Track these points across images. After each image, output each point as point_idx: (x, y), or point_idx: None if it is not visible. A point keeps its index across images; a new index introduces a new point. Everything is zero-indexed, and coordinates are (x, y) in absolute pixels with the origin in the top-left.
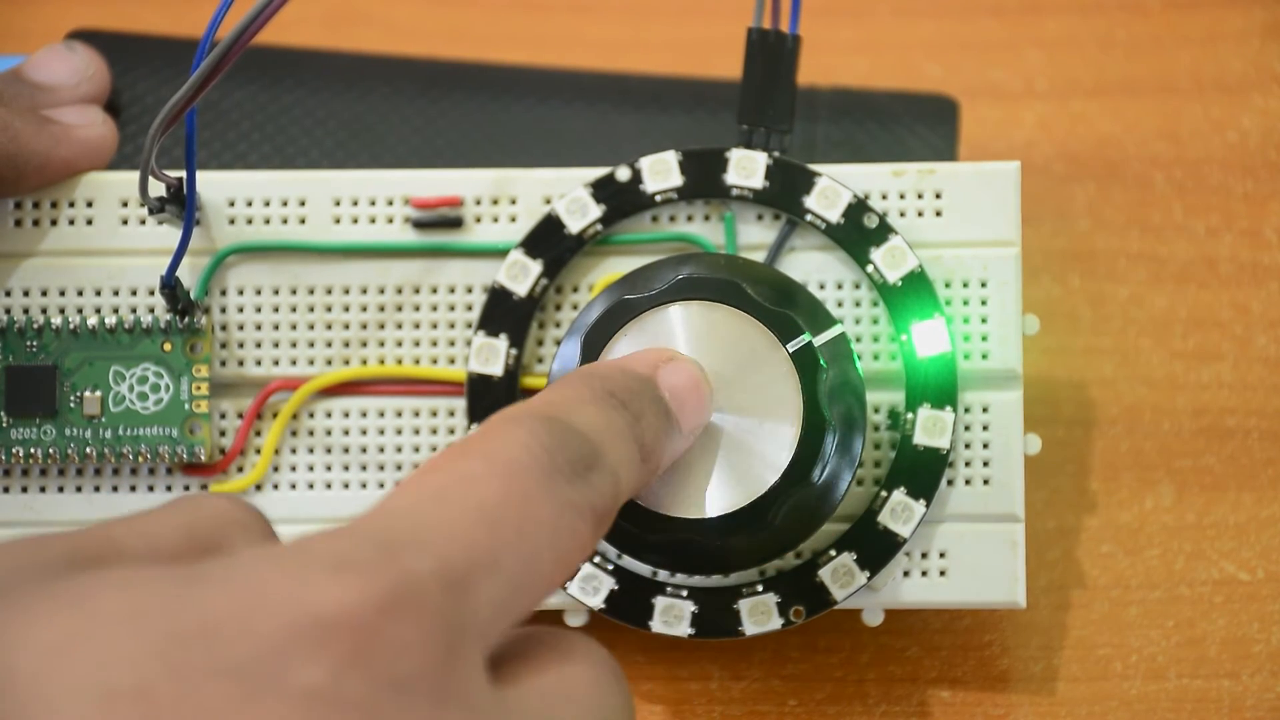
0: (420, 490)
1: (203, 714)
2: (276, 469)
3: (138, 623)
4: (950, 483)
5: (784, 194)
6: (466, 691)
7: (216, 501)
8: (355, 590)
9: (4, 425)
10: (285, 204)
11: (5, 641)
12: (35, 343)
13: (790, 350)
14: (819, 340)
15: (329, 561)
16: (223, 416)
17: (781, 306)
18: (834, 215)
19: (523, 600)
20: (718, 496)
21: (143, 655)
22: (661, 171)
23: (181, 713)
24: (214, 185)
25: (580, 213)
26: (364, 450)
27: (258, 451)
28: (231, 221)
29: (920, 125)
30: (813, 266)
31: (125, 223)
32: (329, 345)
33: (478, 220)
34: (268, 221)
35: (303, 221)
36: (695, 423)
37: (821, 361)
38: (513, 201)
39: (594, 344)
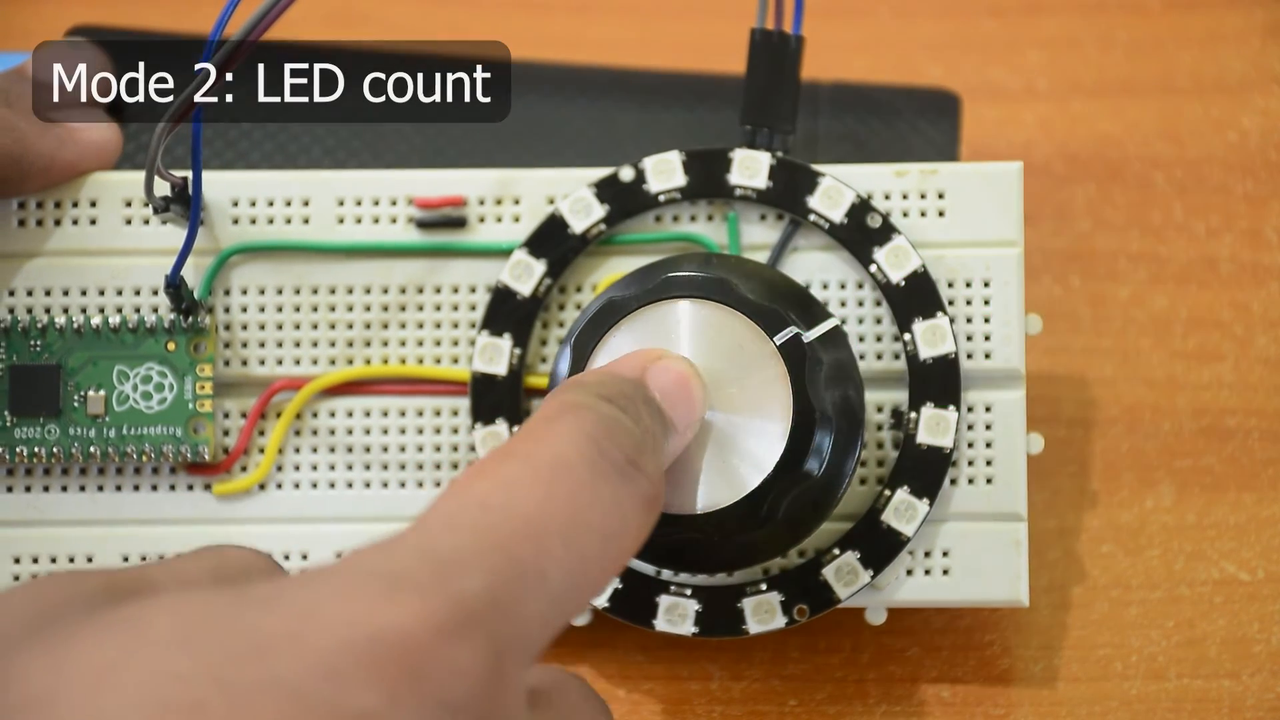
0: (465, 498)
1: None
2: (280, 468)
3: (190, 641)
4: (953, 482)
5: (787, 194)
6: (511, 715)
7: (240, 550)
8: (409, 612)
9: (8, 424)
10: (289, 204)
11: (59, 664)
12: (39, 342)
13: (777, 343)
14: (814, 334)
15: (383, 581)
16: (226, 416)
17: (771, 301)
18: (837, 215)
19: (570, 609)
20: (712, 493)
21: (196, 673)
22: (665, 171)
23: None
24: (218, 185)
25: (584, 212)
26: (368, 450)
27: (261, 451)
28: (235, 221)
29: (922, 120)
30: (816, 266)
31: (129, 222)
32: (333, 345)
33: (481, 220)
34: (271, 221)
35: (306, 221)
36: (689, 419)
37: (809, 353)
38: (516, 201)
39: (582, 347)
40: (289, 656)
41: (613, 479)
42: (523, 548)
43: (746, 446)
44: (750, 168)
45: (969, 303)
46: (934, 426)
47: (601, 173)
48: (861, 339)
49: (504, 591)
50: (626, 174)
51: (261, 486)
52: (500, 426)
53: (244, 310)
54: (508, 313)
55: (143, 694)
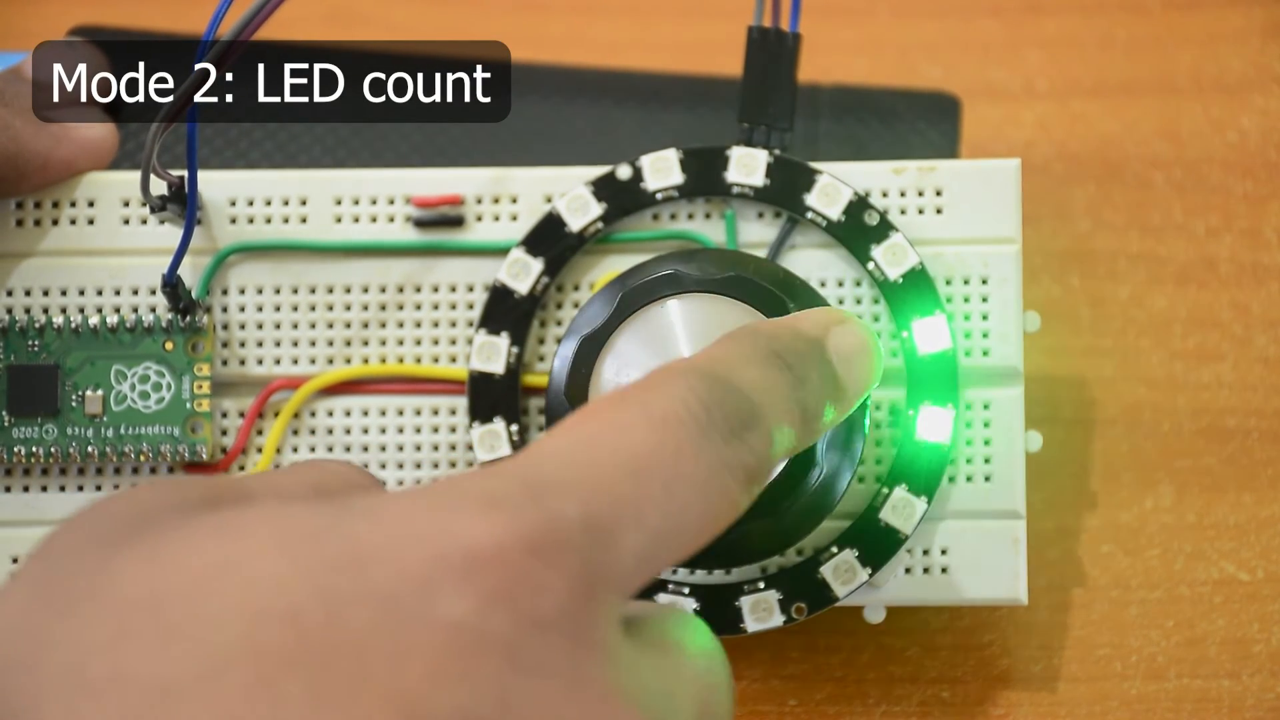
0: (573, 435)
1: (349, 639)
2: (278, 468)
3: (288, 549)
4: (952, 480)
5: (785, 192)
6: (602, 638)
7: (340, 464)
8: (503, 528)
9: (6, 424)
10: (286, 203)
11: (160, 565)
12: (37, 342)
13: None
14: None
15: (478, 499)
16: (224, 415)
17: (728, 271)
18: (835, 213)
19: (665, 554)
20: None
21: (293, 580)
22: (662, 169)
23: (329, 637)
24: (215, 184)
25: (581, 211)
26: (365, 449)
27: (259, 450)
28: (233, 220)
29: (922, 123)
30: (814, 264)
31: (126, 222)
32: (330, 344)
33: (479, 219)
34: (269, 221)
35: (304, 220)
36: (863, 387)
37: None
38: (514, 200)
39: (588, 351)
40: (384, 566)
41: (718, 443)
42: (624, 485)
43: None
44: (748, 165)
45: (967, 300)
46: (932, 424)
47: (599, 171)
48: None
49: (600, 521)
50: (624, 172)
51: None
52: (498, 425)
53: (242, 310)
54: (505, 311)
55: (242, 599)
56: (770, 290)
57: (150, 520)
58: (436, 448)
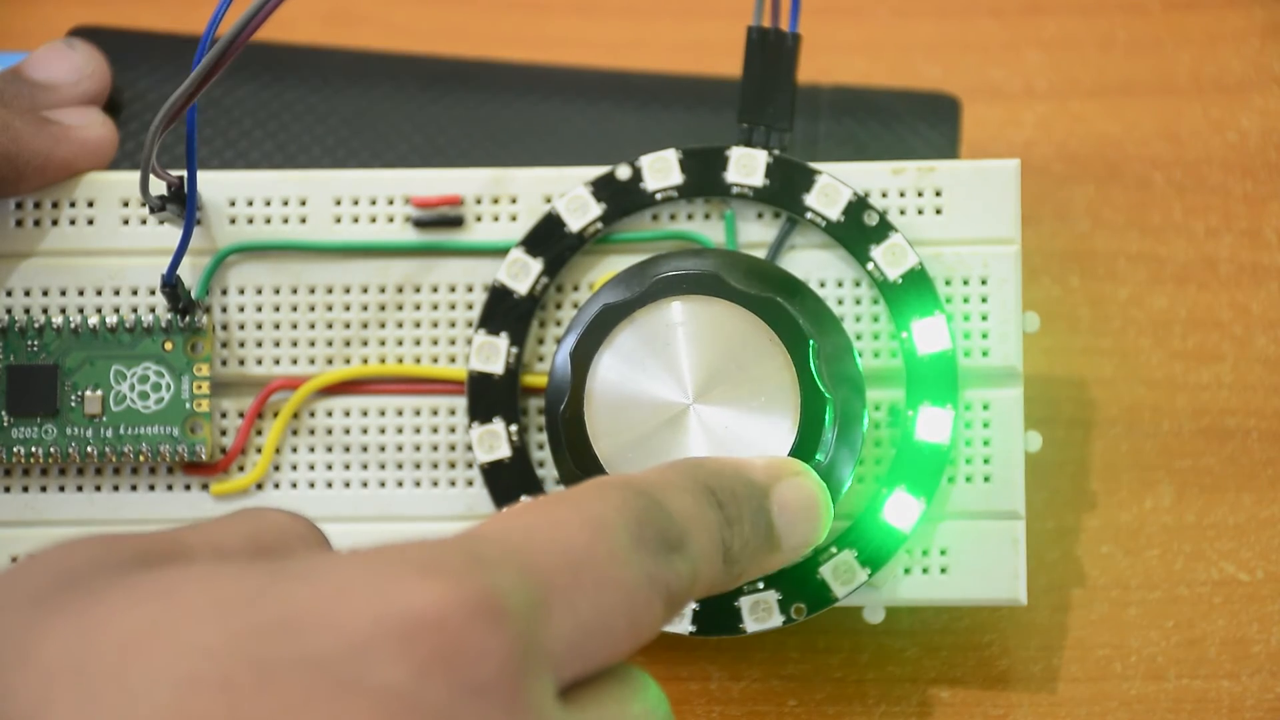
0: (513, 523)
1: (282, 706)
2: (277, 468)
3: (221, 614)
4: (951, 480)
5: (784, 192)
6: (537, 708)
7: (278, 514)
8: (443, 593)
9: (5, 424)
10: (286, 203)
11: (87, 629)
12: (36, 342)
13: (780, 334)
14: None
15: (418, 564)
16: (224, 415)
17: (762, 290)
18: (834, 213)
19: (593, 650)
20: None
21: (225, 646)
22: (662, 170)
23: (261, 704)
24: (215, 184)
25: (580, 211)
26: (365, 449)
27: (259, 450)
28: (232, 221)
29: (922, 124)
30: (813, 264)
31: (126, 222)
32: (330, 344)
33: (478, 219)
34: (268, 221)
35: (303, 221)
36: (801, 542)
37: (808, 335)
38: (513, 200)
39: (581, 363)
40: (319, 632)
41: (647, 557)
42: (560, 573)
43: (757, 444)
44: (747, 166)
45: (966, 300)
46: (931, 424)
47: (598, 171)
48: (859, 337)
49: (537, 597)
50: (623, 172)
51: (259, 486)
52: (497, 425)
53: (241, 310)
54: (504, 311)
55: (172, 667)
56: (797, 324)
57: (80, 580)
58: (436, 448)
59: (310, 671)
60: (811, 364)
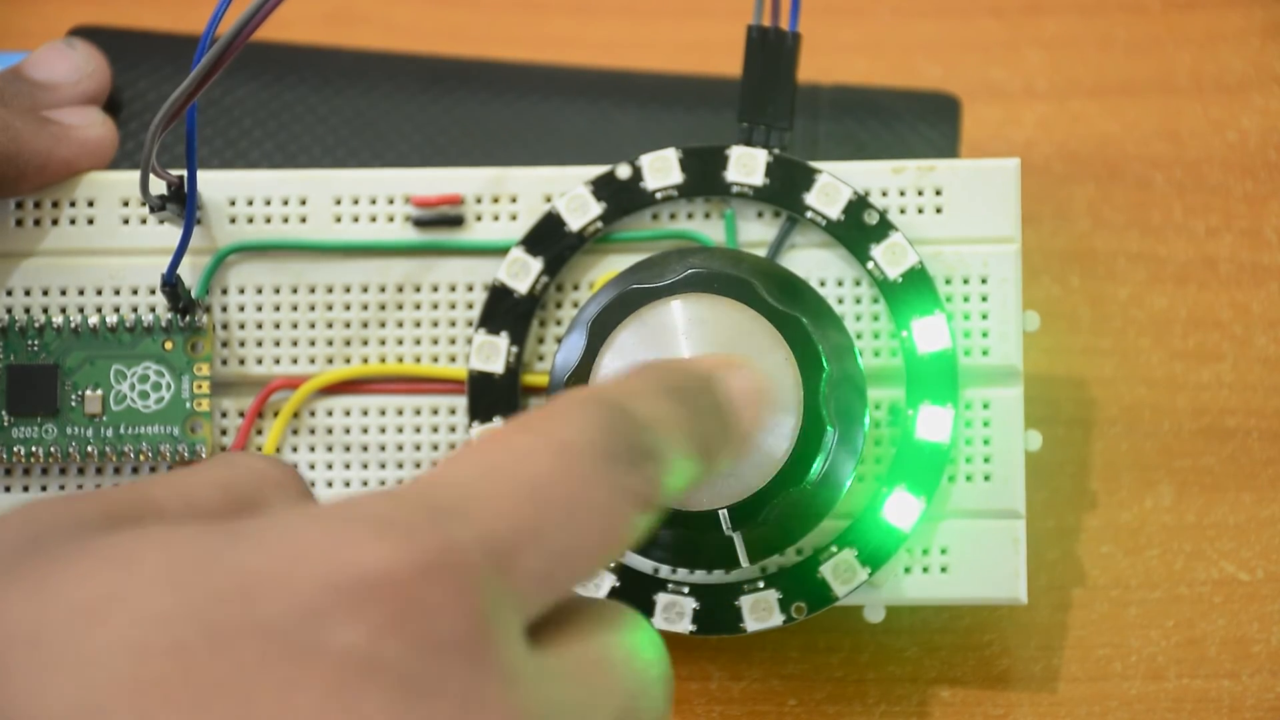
0: (471, 462)
1: (237, 674)
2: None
3: (175, 581)
4: (951, 479)
5: (784, 191)
6: (504, 657)
7: (253, 460)
8: (396, 552)
9: (5, 424)
10: (286, 203)
11: (41, 597)
12: (36, 342)
13: (795, 352)
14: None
15: (371, 522)
16: (224, 415)
17: (787, 304)
18: (834, 212)
19: (565, 577)
20: (714, 490)
21: (179, 614)
22: (662, 169)
23: (216, 672)
24: (215, 184)
25: (581, 210)
26: (365, 449)
27: (259, 450)
28: (232, 220)
29: (922, 123)
30: (813, 263)
31: (126, 222)
32: (330, 344)
33: (478, 218)
34: (269, 220)
35: (303, 220)
36: (753, 430)
37: (824, 362)
38: (513, 199)
39: (599, 333)
40: (273, 597)
41: (617, 469)
42: (524, 509)
43: (754, 445)
44: (747, 165)
45: (966, 299)
46: (931, 424)
47: (598, 170)
48: (859, 336)
49: (498, 544)
50: (623, 172)
51: None
52: (498, 424)
53: (241, 309)
54: (505, 311)
55: (127, 635)
56: (817, 349)
57: (41, 544)
58: (436, 447)
59: (265, 637)
60: (821, 390)
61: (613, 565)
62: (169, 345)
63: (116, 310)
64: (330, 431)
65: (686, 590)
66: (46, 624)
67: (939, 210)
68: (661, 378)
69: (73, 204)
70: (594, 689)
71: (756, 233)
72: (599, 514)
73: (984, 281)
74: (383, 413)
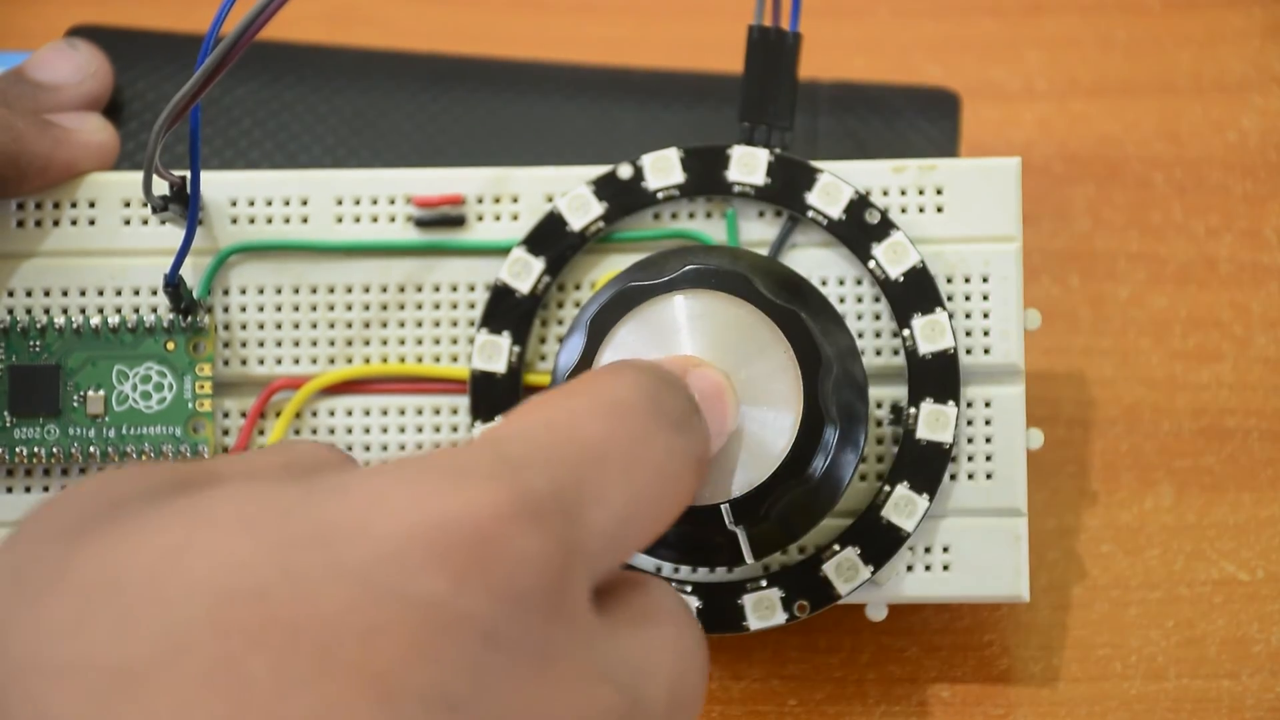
0: (532, 418)
1: (318, 617)
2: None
3: (254, 528)
4: (953, 477)
5: (785, 190)
6: (578, 613)
7: (312, 445)
8: (478, 498)
9: (8, 425)
10: (287, 203)
11: (123, 550)
12: (38, 342)
13: (795, 347)
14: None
15: (449, 472)
16: (226, 415)
17: (787, 301)
18: (835, 211)
19: (629, 538)
20: (717, 484)
21: (260, 558)
22: (663, 168)
23: (297, 615)
24: (216, 185)
25: (582, 210)
26: (367, 449)
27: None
28: (234, 221)
29: (922, 120)
30: (814, 263)
31: (128, 223)
32: (332, 344)
33: (480, 218)
34: (270, 221)
35: (305, 221)
36: (720, 428)
37: (825, 358)
38: (514, 199)
39: (598, 330)
40: (354, 543)
41: (669, 429)
42: (586, 466)
43: (753, 442)
44: (748, 164)
45: (968, 298)
46: (933, 422)
47: (600, 170)
48: (861, 335)
49: (569, 497)
50: (625, 171)
51: None
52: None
53: (243, 310)
54: (506, 310)
55: (207, 579)
56: (815, 343)
57: (117, 507)
58: (438, 447)
59: (347, 580)
60: (821, 385)
61: None
62: (171, 346)
63: (118, 311)
64: (332, 432)
65: (690, 589)
66: (126, 573)
67: (940, 209)
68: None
69: (74, 205)
70: (652, 652)
71: (758, 232)
72: (656, 473)
73: (985, 280)
74: (385, 413)
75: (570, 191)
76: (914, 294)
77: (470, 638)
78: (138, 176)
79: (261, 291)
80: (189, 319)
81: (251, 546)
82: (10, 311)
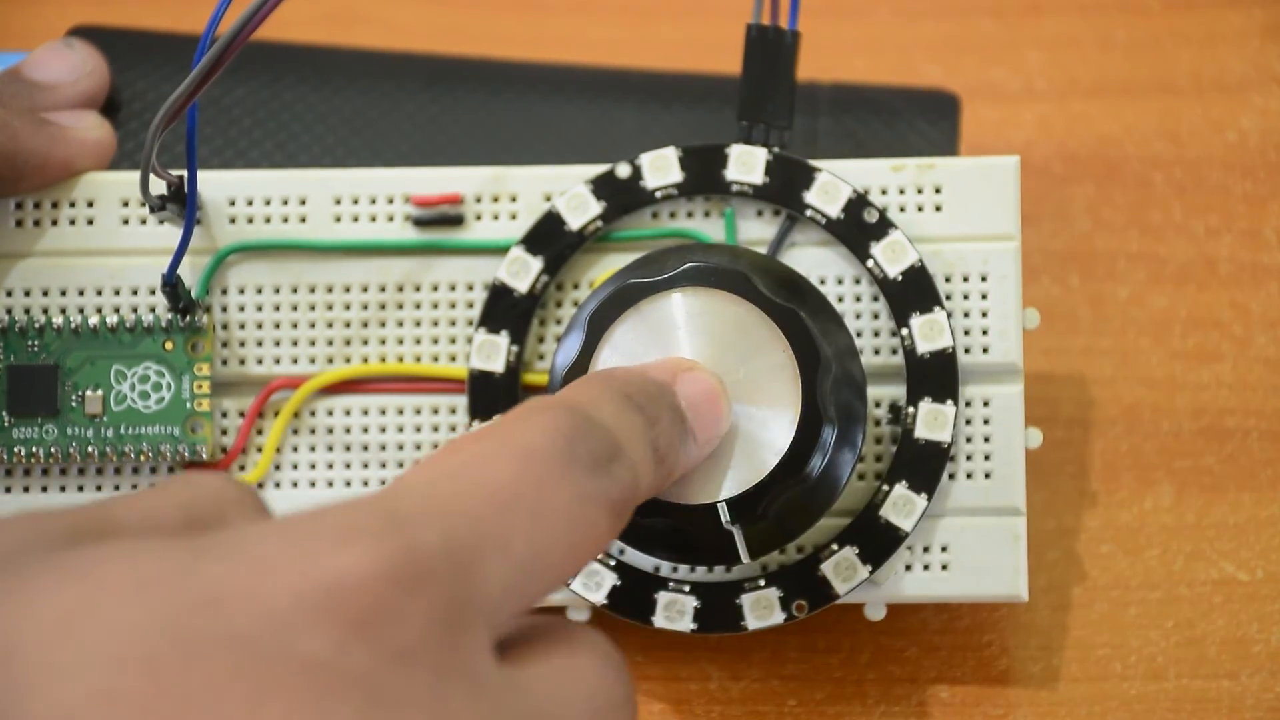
0: (436, 469)
1: (208, 684)
2: (278, 467)
3: (144, 593)
4: (952, 476)
5: (784, 189)
6: (471, 667)
7: (212, 479)
8: (361, 559)
9: (6, 425)
10: (286, 202)
11: (12, 613)
12: (36, 342)
13: (794, 346)
14: (821, 335)
15: (337, 531)
16: (224, 415)
17: (785, 299)
18: (834, 210)
19: (533, 586)
20: (714, 483)
21: (149, 625)
22: (662, 168)
23: (188, 682)
24: (214, 184)
25: (580, 209)
26: (365, 448)
27: (259, 450)
28: (232, 220)
29: (921, 120)
30: (813, 262)
31: (126, 222)
32: (330, 343)
33: (478, 218)
34: (268, 220)
35: (303, 220)
36: (711, 433)
37: (823, 355)
38: (513, 199)
39: (597, 328)
40: (241, 607)
41: (581, 474)
42: (488, 516)
43: (752, 441)
44: (747, 163)
45: (966, 297)
46: (932, 421)
47: (598, 169)
48: (859, 334)
49: (463, 551)
50: (623, 170)
51: (260, 485)
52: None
53: (241, 309)
54: (505, 310)
55: (99, 648)
56: (814, 342)
57: (7, 562)
58: (436, 447)
59: (235, 647)
60: (819, 382)
61: (612, 564)
62: (169, 345)
63: (116, 310)
64: (331, 431)
65: (687, 588)
66: (17, 641)
67: (939, 208)
68: (617, 385)
69: (72, 204)
70: (560, 706)
71: (756, 231)
72: (565, 520)
73: (984, 279)
74: (383, 412)
75: (568, 191)
76: (912, 293)
77: (356, 697)
78: (136, 176)
79: (260, 291)
80: (187, 318)
81: (142, 612)
82: (8, 311)
